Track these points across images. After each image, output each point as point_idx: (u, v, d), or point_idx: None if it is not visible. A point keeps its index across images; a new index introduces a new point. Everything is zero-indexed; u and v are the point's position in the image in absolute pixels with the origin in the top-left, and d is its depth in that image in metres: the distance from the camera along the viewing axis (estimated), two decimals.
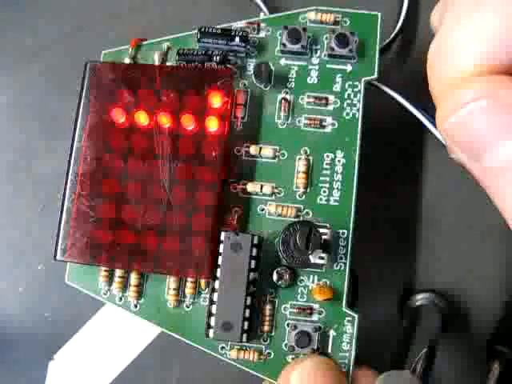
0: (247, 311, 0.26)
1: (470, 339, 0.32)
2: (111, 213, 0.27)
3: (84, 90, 0.28)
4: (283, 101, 0.28)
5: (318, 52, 0.28)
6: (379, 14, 0.28)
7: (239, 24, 0.29)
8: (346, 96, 0.28)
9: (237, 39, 0.28)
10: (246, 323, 0.26)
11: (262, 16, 0.30)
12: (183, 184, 0.27)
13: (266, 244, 0.27)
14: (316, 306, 0.27)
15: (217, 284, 0.26)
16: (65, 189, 0.27)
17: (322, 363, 0.25)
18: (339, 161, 0.28)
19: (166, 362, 0.32)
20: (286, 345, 0.27)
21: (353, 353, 0.26)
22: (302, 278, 0.27)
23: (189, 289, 0.27)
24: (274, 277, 0.27)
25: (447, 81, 0.19)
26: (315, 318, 0.27)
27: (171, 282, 0.27)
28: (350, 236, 0.27)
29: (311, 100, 0.28)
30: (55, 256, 0.27)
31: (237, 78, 0.28)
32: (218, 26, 0.28)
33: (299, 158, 0.28)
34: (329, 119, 0.28)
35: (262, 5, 0.32)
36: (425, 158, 0.33)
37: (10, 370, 0.33)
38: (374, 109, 0.28)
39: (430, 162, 0.33)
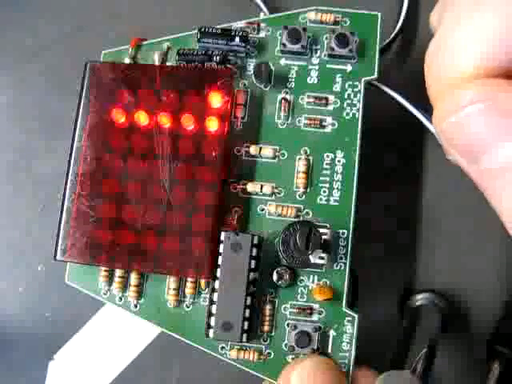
0: (247, 311, 0.26)
1: (470, 339, 0.32)
2: (111, 213, 0.27)
3: (84, 90, 0.28)
4: (283, 101, 0.28)
5: (318, 52, 0.28)
6: (379, 14, 0.28)
7: (239, 24, 0.29)
8: (345, 96, 0.28)
9: (237, 39, 0.28)
10: (246, 323, 0.26)
11: (261, 16, 0.30)
12: (183, 184, 0.27)
13: (266, 244, 0.27)
14: (316, 306, 0.27)
15: (217, 284, 0.26)
16: (65, 189, 0.27)
17: (321, 363, 0.25)
18: (339, 161, 0.28)
19: (166, 362, 0.32)
20: (286, 345, 0.27)
21: (353, 353, 0.26)
22: (301, 277, 0.27)
23: (189, 289, 0.27)
24: (274, 277, 0.27)
25: (445, 81, 0.19)
26: (315, 318, 0.27)
27: (171, 281, 0.27)
28: (350, 236, 0.27)
29: (311, 100, 0.28)
30: (55, 256, 0.27)
31: (237, 78, 0.28)
32: (218, 26, 0.28)
33: (299, 158, 0.28)
34: (329, 119, 0.28)
35: (261, 5, 0.32)
36: (425, 158, 0.33)
37: (9, 370, 0.33)
38: (374, 109, 0.28)
39: (430, 162, 0.33)
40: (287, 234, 0.26)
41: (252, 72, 0.28)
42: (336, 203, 0.27)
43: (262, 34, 0.29)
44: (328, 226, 0.27)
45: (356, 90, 0.28)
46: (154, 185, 0.27)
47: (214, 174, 0.27)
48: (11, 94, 0.35)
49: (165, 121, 0.27)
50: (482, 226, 0.32)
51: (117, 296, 0.28)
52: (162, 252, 0.26)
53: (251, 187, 0.27)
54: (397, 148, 0.33)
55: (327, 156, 0.28)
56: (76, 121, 0.27)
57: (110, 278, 0.28)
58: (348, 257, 0.27)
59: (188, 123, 0.27)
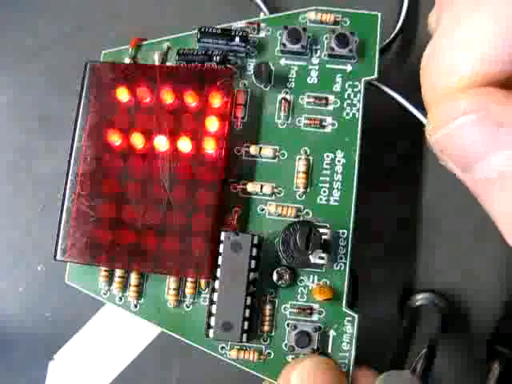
0: (247, 311, 0.26)
1: (470, 339, 0.32)
2: (111, 213, 0.27)
3: (84, 90, 0.28)
4: (283, 101, 0.28)
5: (318, 52, 0.28)
6: (379, 14, 0.28)
7: (239, 24, 0.29)
8: (345, 96, 0.28)
9: (237, 39, 0.28)
10: (246, 323, 0.26)
11: (262, 16, 0.30)
12: (183, 184, 0.27)
13: (266, 244, 0.27)
14: (316, 306, 0.27)
15: (217, 284, 0.26)
16: (65, 189, 0.27)
17: (321, 363, 0.25)
18: (339, 161, 0.28)
19: (166, 362, 0.32)
20: (286, 345, 0.27)
21: (353, 353, 0.26)
22: (302, 278, 0.27)
23: (189, 289, 0.27)
24: (274, 277, 0.27)
25: (439, 89, 0.18)
26: (315, 318, 0.27)
27: (171, 281, 0.27)
28: (350, 236, 0.27)
29: (311, 100, 0.28)
30: (55, 256, 0.27)
31: (237, 78, 0.28)
32: (218, 26, 0.28)
33: (299, 158, 0.28)
34: (329, 119, 0.28)
35: (261, 5, 0.32)
36: (425, 158, 0.33)
37: (9, 370, 0.33)
38: (374, 109, 0.28)
39: (430, 162, 0.33)
40: (287, 234, 0.26)
41: (252, 72, 0.28)
42: (336, 203, 0.27)
43: (262, 34, 0.29)
44: (328, 226, 0.27)
45: (356, 90, 0.28)
46: (154, 185, 0.27)
47: (214, 174, 0.27)
48: (11, 94, 0.35)
49: (165, 121, 0.27)
50: (481, 226, 0.32)
51: (117, 296, 0.28)
52: (162, 252, 0.26)
53: (251, 187, 0.27)
54: (397, 148, 0.33)
55: (327, 156, 0.28)
56: (76, 121, 0.27)
57: (110, 278, 0.28)
58: (348, 257, 0.27)
59: (188, 123, 0.27)
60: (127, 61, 0.29)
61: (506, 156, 0.16)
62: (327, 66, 0.28)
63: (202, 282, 0.27)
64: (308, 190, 0.27)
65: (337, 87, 0.28)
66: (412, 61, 0.34)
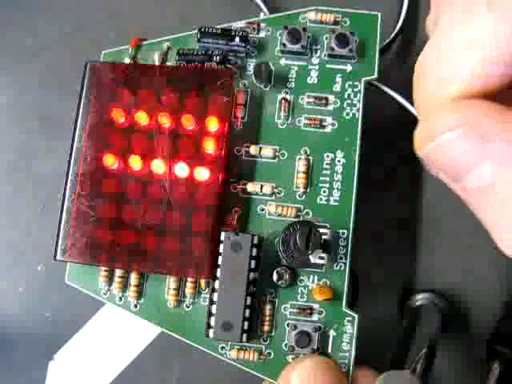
0: (247, 311, 0.26)
1: (470, 339, 0.32)
2: (111, 213, 0.27)
3: (84, 90, 0.28)
4: (283, 101, 0.28)
5: (318, 52, 0.28)
6: (379, 14, 0.28)
7: (239, 24, 0.29)
8: (345, 96, 0.28)
9: (237, 39, 0.28)
10: (246, 323, 0.26)
11: (262, 16, 0.30)
12: (183, 184, 0.27)
13: (266, 244, 0.27)
14: (316, 306, 0.27)
15: (217, 284, 0.26)
16: (65, 189, 0.27)
17: (321, 363, 0.25)
18: (339, 161, 0.28)
19: (166, 362, 0.32)
20: (286, 345, 0.27)
21: (353, 353, 0.26)
22: (301, 277, 0.27)
23: (189, 289, 0.27)
24: (274, 277, 0.27)
25: (432, 98, 0.19)
26: (315, 318, 0.27)
27: (171, 281, 0.27)
28: (350, 236, 0.27)
29: (311, 100, 0.28)
30: (55, 256, 0.27)
31: (237, 78, 0.28)
32: (218, 26, 0.28)
33: (299, 158, 0.28)
34: (329, 119, 0.28)
35: (261, 5, 0.32)
36: None
37: (9, 370, 0.33)
38: (374, 109, 0.28)
39: None
40: (287, 234, 0.26)
41: (252, 72, 0.28)
42: (336, 203, 0.27)
43: (262, 34, 0.29)
44: (328, 226, 0.27)
45: (356, 90, 0.28)
46: (154, 185, 0.27)
47: (213, 174, 0.27)
48: (11, 94, 0.35)
49: (165, 121, 0.27)
50: (482, 226, 0.32)
51: (117, 296, 0.28)
52: (162, 252, 0.26)
53: (251, 187, 0.27)
54: (397, 148, 0.33)
55: (327, 156, 0.28)
56: (76, 121, 0.27)
57: (110, 278, 0.28)
58: (348, 257, 0.27)
59: (188, 123, 0.27)
60: (127, 61, 0.29)
61: (492, 167, 0.17)
62: (327, 66, 0.28)
63: (202, 282, 0.27)
64: (308, 189, 0.27)
65: (337, 87, 0.28)
66: (412, 61, 0.34)
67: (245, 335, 0.26)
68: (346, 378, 0.26)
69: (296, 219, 0.27)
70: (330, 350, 0.26)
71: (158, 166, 0.27)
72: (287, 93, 0.28)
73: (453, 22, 0.18)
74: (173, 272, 0.27)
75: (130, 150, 0.27)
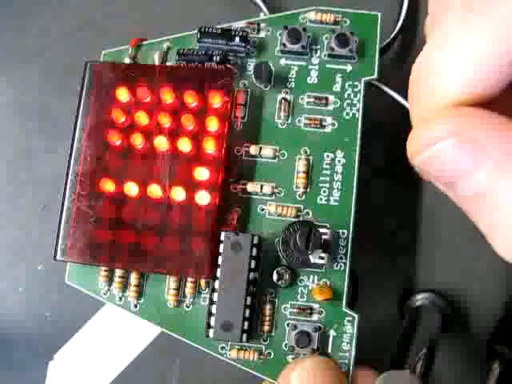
0: (247, 311, 0.26)
1: (470, 339, 0.32)
2: (111, 213, 0.27)
3: (84, 90, 0.28)
4: (283, 101, 0.28)
5: (318, 52, 0.28)
6: (379, 14, 0.28)
7: (239, 24, 0.29)
8: (345, 96, 0.28)
9: (237, 39, 0.28)
10: (246, 323, 0.26)
11: (261, 16, 0.30)
12: (183, 184, 0.27)
13: (266, 244, 0.27)
14: (316, 305, 0.27)
15: (217, 284, 0.26)
16: (65, 189, 0.27)
17: (321, 363, 0.25)
18: (339, 161, 0.28)
19: (166, 362, 0.32)
20: (285, 345, 0.27)
21: (353, 353, 0.26)
22: (301, 277, 0.27)
23: (189, 289, 0.27)
24: (274, 277, 0.27)
25: (427, 107, 0.19)
26: (315, 318, 0.27)
27: (171, 281, 0.27)
28: (350, 236, 0.27)
29: (311, 100, 0.28)
30: (55, 256, 0.27)
31: (237, 78, 0.28)
32: (218, 26, 0.28)
33: (299, 158, 0.28)
34: (329, 119, 0.28)
35: (261, 5, 0.32)
36: None
37: (10, 370, 0.33)
38: (374, 109, 0.28)
39: None
40: (287, 234, 0.26)
41: (252, 72, 0.28)
42: (336, 203, 0.27)
43: (262, 34, 0.29)
44: (328, 226, 0.27)
45: (356, 90, 0.28)
46: (154, 185, 0.27)
47: (213, 174, 0.27)
48: (11, 94, 0.35)
49: (165, 121, 0.27)
50: None
51: (117, 296, 0.28)
52: (162, 252, 0.26)
53: (251, 187, 0.27)
54: (397, 148, 0.33)
55: (327, 156, 0.28)
56: (76, 121, 0.27)
57: (110, 278, 0.28)
58: (348, 257, 0.27)
59: (188, 123, 0.27)
60: (127, 61, 0.29)
61: (485, 174, 0.17)
62: (327, 66, 0.28)
63: (202, 282, 0.27)
64: (308, 189, 0.27)
65: (337, 87, 0.28)
66: (412, 61, 0.34)
67: (245, 335, 0.26)
68: (346, 378, 0.26)
69: (296, 219, 0.27)
70: (330, 350, 0.26)
71: (159, 166, 0.27)
72: (287, 93, 0.28)
73: (447, 32, 0.18)
74: (173, 272, 0.27)
75: (130, 151, 0.27)
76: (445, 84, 0.18)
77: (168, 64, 0.29)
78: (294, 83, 0.28)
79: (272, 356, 0.27)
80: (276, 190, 0.28)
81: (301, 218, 0.27)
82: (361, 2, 0.29)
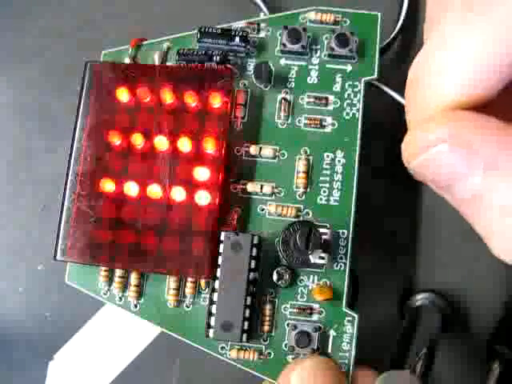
0: (247, 311, 0.26)
1: (470, 339, 0.32)
2: (111, 213, 0.27)
3: (84, 90, 0.28)
4: (283, 101, 0.28)
5: (318, 52, 0.28)
6: (379, 14, 0.28)
7: (239, 24, 0.29)
8: (345, 96, 0.28)
9: (237, 39, 0.28)
10: (246, 323, 0.26)
11: (261, 16, 0.30)
12: (183, 184, 0.27)
13: (266, 244, 0.27)
14: (316, 306, 0.27)
15: (217, 284, 0.26)
16: (65, 189, 0.27)
17: (321, 363, 0.25)
18: (339, 161, 0.28)
19: (166, 362, 0.32)
20: (285, 345, 0.27)
21: (353, 353, 0.26)
22: (301, 277, 0.27)
23: (189, 289, 0.27)
24: (274, 277, 0.27)
25: (423, 110, 0.19)
26: (315, 318, 0.27)
27: (171, 281, 0.27)
28: (350, 236, 0.27)
29: (311, 100, 0.28)
30: (55, 256, 0.27)
31: (237, 78, 0.28)
32: (218, 26, 0.28)
33: (299, 158, 0.28)
34: (329, 119, 0.28)
35: (261, 5, 0.32)
36: None
37: (10, 370, 0.33)
38: (374, 109, 0.28)
39: None
40: (287, 234, 0.26)
41: (252, 72, 0.28)
42: (336, 203, 0.27)
43: (262, 34, 0.29)
44: (328, 226, 0.27)
45: (356, 90, 0.28)
46: (154, 185, 0.27)
47: (214, 174, 0.27)
48: (11, 94, 0.35)
49: (165, 121, 0.27)
50: None
51: (117, 296, 0.28)
52: (162, 252, 0.26)
53: (251, 187, 0.27)
54: (397, 148, 0.33)
55: (327, 156, 0.28)
56: (76, 121, 0.27)
57: (110, 278, 0.28)
58: (348, 257, 0.27)
59: (188, 123, 0.27)
60: (127, 61, 0.29)
61: (479, 178, 0.17)
62: (327, 66, 0.28)
63: (202, 282, 0.27)
64: (308, 189, 0.27)
65: (337, 87, 0.28)
66: (412, 61, 0.34)
67: (245, 335, 0.26)
68: (346, 378, 0.26)
69: (296, 219, 0.27)
70: (330, 350, 0.26)
71: (160, 166, 0.27)
72: (287, 93, 0.28)
73: (446, 32, 0.18)
74: (173, 272, 0.27)
75: (130, 151, 0.27)
76: (443, 84, 0.18)
77: (168, 64, 0.29)
78: (294, 83, 0.28)
79: (272, 356, 0.27)
80: (276, 190, 0.28)
81: (301, 218, 0.27)
82: (361, 2, 0.29)
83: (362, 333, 0.26)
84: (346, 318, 0.27)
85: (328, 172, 0.28)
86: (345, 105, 0.28)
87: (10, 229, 0.34)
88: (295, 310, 0.27)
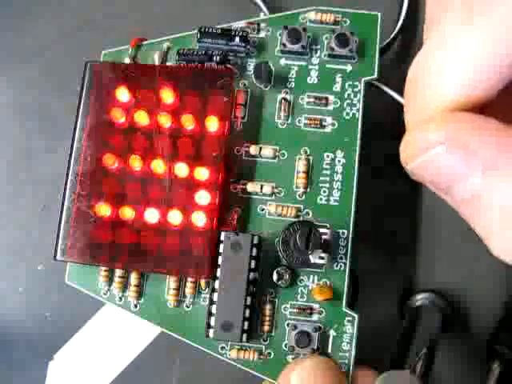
0: (247, 311, 0.26)
1: (470, 339, 0.32)
2: (111, 213, 0.27)
3: (84, 90, 0.28)
4: (283, 101, 0.28)
5: (318, 52, 0.28)
6: (379, 14, 0.28)
7: (239, 24, 0.29)
8: (345, 96, 0.28)
9: (237, 39, 0.28)
10: (246, 323, 0.26)
11: (261, 16, 0.30)
12: (183, 184, 0.27)
13: (266, 244, 0.27)
14: (316, 306, 0.27)
15: (217, 284, 0.26)
16: (65, 189, 0.27)
17: (321, 363, 0.25)
18: (339, 161, 0.28)
19: (166, 362, 0.32)
20: (285, 345, 0.27)
21: (353, 353, 0.26)
22: (301, 277, 0.27)
23: (189, 289, 0.27)
24: (274, 277, 0.27)
25: (422, 111, 0.19)
26: (315, 318, 0.27)
27: (171, 281, 0.27)
28: (350, 236, 0.27)
29: (311, 100, 0.28)
30: (55, 256, 0.27)
31: (237, 78, 0.28)
32: (218, 26, 0.28)
33: (299, 158, 0.28)
34: (329, 119, 0.28)
35: (261, 5, 0.32)
36: None
37: (10, 370, 0.33)
38: (374, 109, 0.28)
39: None
40: (287, 234, 0.26)
41: (252, 72, 0.28)
42: (336, 203, 0.27)
43: (262, 34, 0.29)
44: (328, 226, 0.27)
45: (356, 90, 0.28)
46: (154, 185, 0.27)
47: (214, 174, 0.27)
48: (11, 94, 0.35)
49: (165, 121, 0.27)
50: None
51: (117, 296, 0.28)
52: (162, 252, 0.26)
53: (251, 187, 0.27)
54: (397, 148, 0.33)
55: (327, 156, 0.28)
56: (76, 121, 0.27)
57: (110, 278, 0.28)
58: (348, 257, 0.27)
59: (188, 123, 0.27)
60: (127, 61, 0.29)
61: (478, 179, 0.17)
62: (327, 66, 0.28)
63: (202, 282, 0.27)
64: (308, 189, 0.27)
65: (337, 87, 0.28)
66: (412, 61, 0.34)
67: (245, 335, 0.26)
68: (346, 378, 0.26)
69: (296, 219, 0.27)
70: (330, 350, 0.26)
71: (158, 166, 0.27)
72: (287, 93, 0.28)
73: (446, 32, 0.18)
74: (173, 272, 0.27)
75: (130, 151, 0.27)
76: (443, 85, 0.18)
77: (168, 64, 0.29)
78: (294, 83, 0.28)
79: (272, 356, 0.27)
80: (276, 190, 0.28)
81: (301, 218, 0.27)
82: (361, 2, 0.29)
83: (362, 333, 0.26)
84: (346, 318, 0.27)
85: (328, 172, 0.28)
86: (345, 105, 0.28)
87: (10, 229, 0.34)
88: (295, 310, 0.27)
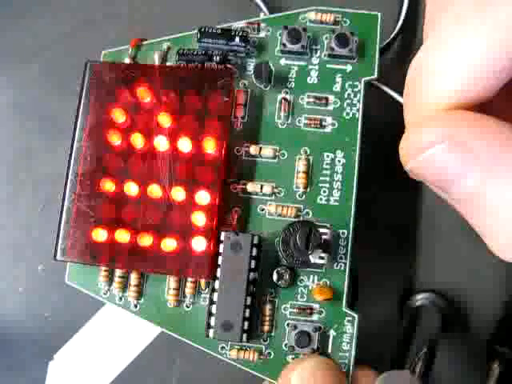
0: (247, 311, 0.26)
1: (470, 339, 0.32)
2: (111, 213, 0.27)
3: (84, 90, 0.28)
4: (283, 101, 0.28)
5: (318, 52, 0.28)
6: (379, 14, 0.28)
7: (239, 24, 0.29)
8: (345, 96, 0.28)
9: (237, 39, 0.28)
10: (246, 323, 0.26)
11: (262, 16, 0.30)
12: (183, 184, 0.27)
13: (266, 244, 0.27)
14: (316, 306, 0.27)
15: (217, 284, 0.26)
16: (65, 189, 0.27)
17: (322, 363, 0.25)
18: (339, 161, 0.28)
19: (166, 362, 0.32)
20: (286, 345, 0.27)
21: (353, 353, 0.26)
22: (301, 277, 0.27)
23: (189, 289, 0.27)
24: (274, 277, 0.27)
25: (421, 110, 0.19)
26: (315, 318, 0.27)
27: (171, 281, 0.27)
28: (350, 236, 0.27)
29: (311, 100, 0.28)
30: (55, 256, 0.27)
31: (237, 78, 0.28)
32: (218, 26, 0.28)
33: (299, 158, 0.28)
34: (329, 119, 0.28)
35: (261, 5, 0.32)
36: None
37: (9, 370, 0.33)
38: (374, 109, 0.28)
39: None
40: (287, 234, 0.26)
41: (252, 72, 0.28)
42: (336, 203, 0.27)
43: (262, 34, 0.29)
44: (328, 226, 0.27)
45: (356, 90, 0.28)
46: (154, 185, 0.27)
47: (213, 174, 0.27)
48: (11, 94, 0.35)
49: (165, 121, 0.27)
50: None
51: (117, 296, 0.28)
52: (162, 252, 0.26)
53: (251, 187, 0.27)
54: (397, 148, 0.33)
55: (327, 156, 0.28)
56: (76, 121, 0.27)
57: (110, 278, 0.28)
58: (348, 257, 0.27)
59: (188, 123, 0.27)
60: (127, 61, 0.29)
61: (476, 177, 0.17)
62: (327, 66, 0.28)
63: (202, 281, 0.27)
64: (308, 189, 0.27)
65: (337, 87, 0.28)
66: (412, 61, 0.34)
67: (245, 335, 0.26)
68: (346, 378, 0.26)
69: (296, 219, 0.27)
70: (330, 350, 0.26)
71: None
72: (287, 93, 0.28)
73: (445, 31, 0.18)
74: (173, 272, 0.27)
75: (130, 150, 0.27)
76: (442, 84, 0.18)
77: (168, 64, 0.29)
78: (294, 83, 0.28)
79: (272, 356, 0.27)
80: (276, 190, 0.28)
81: (301, 218, 0.27)
82: (361, 2, 0.29)
83: (361, 333, 0.26)
84: (346, 318, 0.27)
85: (328, 172, 0.28)
86: (345, 105, 0.28)
87: (10, 229, 0.34)
88: (295, 310, 0.27)
